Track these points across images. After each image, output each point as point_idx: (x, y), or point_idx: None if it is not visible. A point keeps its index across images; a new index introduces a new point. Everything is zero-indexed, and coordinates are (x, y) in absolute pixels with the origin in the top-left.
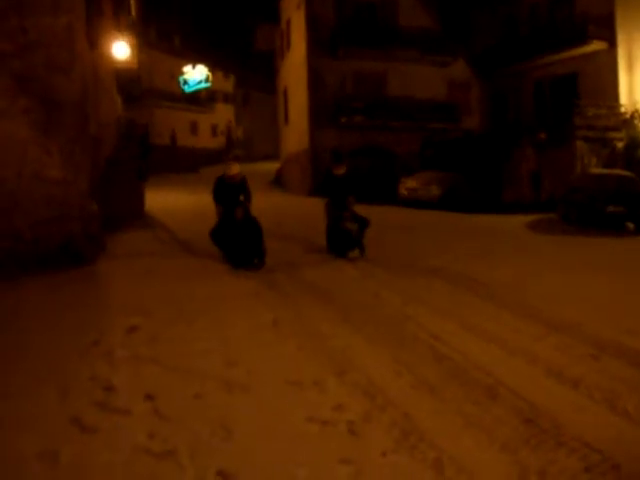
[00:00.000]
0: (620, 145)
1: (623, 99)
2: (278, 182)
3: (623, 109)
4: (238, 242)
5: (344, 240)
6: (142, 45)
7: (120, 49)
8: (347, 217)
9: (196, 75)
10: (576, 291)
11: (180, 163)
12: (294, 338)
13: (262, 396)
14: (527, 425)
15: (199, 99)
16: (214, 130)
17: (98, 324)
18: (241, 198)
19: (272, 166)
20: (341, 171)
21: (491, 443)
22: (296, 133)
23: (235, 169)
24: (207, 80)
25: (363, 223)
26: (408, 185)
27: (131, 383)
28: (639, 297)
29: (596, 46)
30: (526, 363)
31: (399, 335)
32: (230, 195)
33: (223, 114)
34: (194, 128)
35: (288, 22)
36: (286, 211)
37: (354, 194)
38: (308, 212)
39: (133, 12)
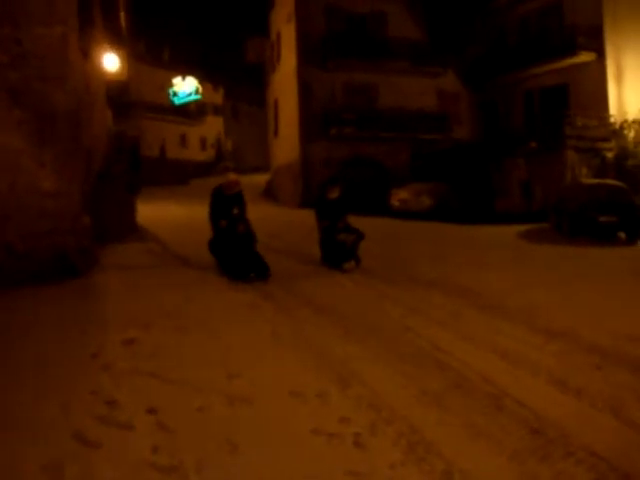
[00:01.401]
0: (610, 155)
1: (612, 109)
2: (268, 194)
3: (613, 119)
4: (238, 255)
5: (339, 251)
6: (131, 57)
7: (110, 61)
8: (341, 228)
9: (186, 87)
10: (573, 300)
11: (170, 175)
12: (294, 350)
13: (266, 409)
14: (534, 435)
15: (188, 111)
16: (203, 142)
17: (95, 337)
18: (235, 211)
19: (262, 178)
20: (335, 194)
21: (499, 453)
22: (286, 145)
23: (235, 177)
24: (197, 92)
25: (358, 235)
26: (399, 196)
27: (132, 396)
28: (636, 305)
29: (585, 57)
30: (528, 372)
31: (400, 346)
32: (227, 207)
33: (212, 126)
34: (183, 140)
35: (278, 35)
36: (278, 223)
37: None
38: (300, 223)
39: (123, 24)
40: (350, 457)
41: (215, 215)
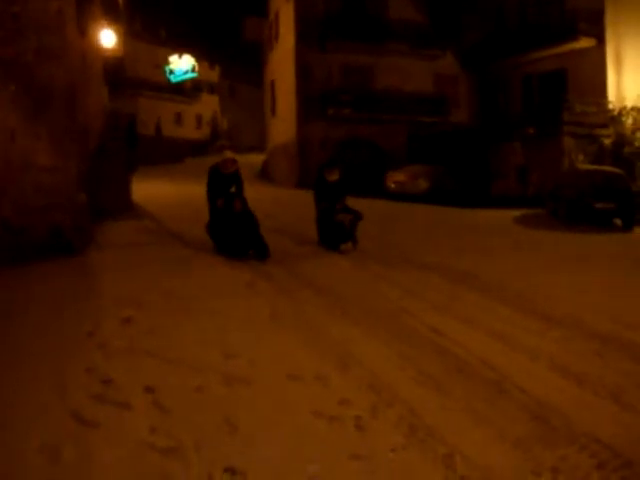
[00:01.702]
0: (607, 142)
1: (611, 96)
2: (264, 174)
3: (611, 106)
4: (236, 233)
5: (337, 232)
6: (128, 34)
7: (107, 37)
8: (339, 209)
9: (182, 65)
10: (572, 286)
11: (165, 154)
12: (293, 330)
13: (265, 390)
14: (537, 422)
15: (184, 89)
16: (199, 121)
17: (91, 315)
18: (232, 189)
19: (258, 158)
20: (334, 177)
21: (502, 439)
22: (283, 125)
23: (232, 156)
24: (193, 70)
25: (356, 216)
26: (395, 178)
27: (129, 375)
28: (635, 292)
29: (585, 43)
30: (529, 358)
31: (399, 328)
32: (224, 186)
33: (208, 105)
34: (179, 118)
35: (277, 14)
36: (274, 203)
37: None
38: (296, 204)
39: (120, 0)
40: (352, 440)
41: (212, 194)
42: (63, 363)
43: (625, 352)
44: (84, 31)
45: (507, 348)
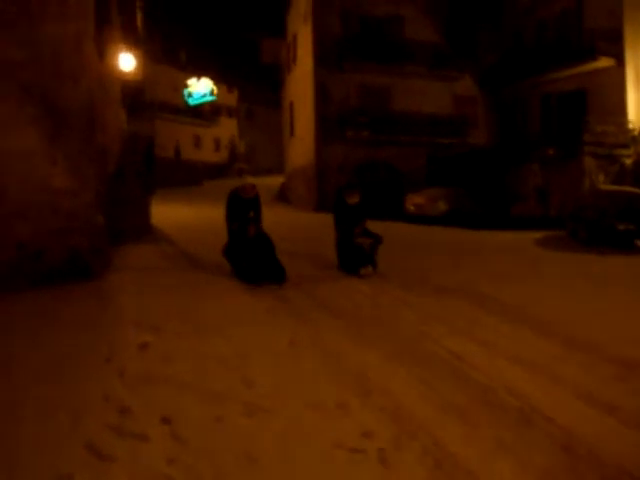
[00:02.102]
0: (629, 162)
1: (631, 116)
2: (282, 197)
3: (631, 126)
4: (254, 258)
5: (357, 256)
6: (147, 58)
7: (126, 61)
8: (359, 232)
9: (201, 88)
10: (593, 310)
11: (184, 176)
12: (312, 357)
13: (285, 420)
14: (564, 452)
15: (203, 113)
16: (217, 144)
17: (109, 341)
18: (251, 214)
19: (275, 180)
20: (355, 200)
21: (530, 471)
22: (301, 147)
23: (252, 181)
24: (212, 93)
25: (376, 239)
26: (415, 201)
27: (146, 404)
28: None
29: (604, 62)
30: (553, 384)
31: (419, 354)
32: (242, 210)
33: (226, 128)
34: (197, 142)
35: (294, 36)
36: (292, 226)
37: (367, 219)
38: (315, 227)
39: (139, 24)
40: (375, 474)
41: (231, 218)
42: (80, 390)
43: None
44: (102, 54)
45: (529, 374)
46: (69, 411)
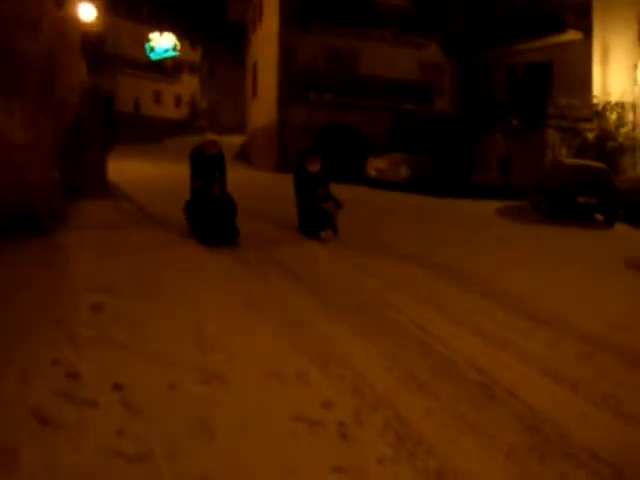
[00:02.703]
0: (591, 136)
1: (596, 90)
2: (243, 156)
3: (596, 100)
4: (214, 218)
5: (318, 220)
6: (108, 10)
7: (86, 10)
8: (321, 196)
9: (163, 43)
10: (556, 283)
11: (143, 132)
12: (271, 322)
13: (243, 389)
14: (530, 431)
15: (164, 68)
16: (178, 100)
17: (60, 300)
18: (216, 174)
19: (237, 139)
20: (316, 167)
21: (495, 450)
22: (264, 107)
23: (213, 137)
24: (175, 49)
25: (336, 204)
26: (376, 165)
27: (97, 369)
28: (619, 290)
29: (572, 36)
30: (518, 360)
31: (382, 323)
32: (206, 169)
33: (188, 85)
34: (158, 97)
35: None
36: (253, 186)
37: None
38: (276, 188)
39: None
40: (335, 449)
41: (194, 176)
42: (28, 353)
43: (616, 356)
44: (62, 3)
45: (494, 348)
46: (16, 376)
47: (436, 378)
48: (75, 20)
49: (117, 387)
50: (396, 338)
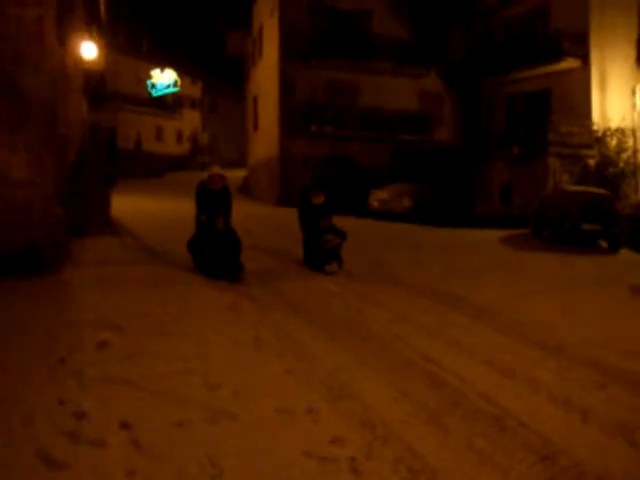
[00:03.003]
0: (592, 162)
1: (595, 117)
2: (245, 190)
3: (595, 127)
4: (218, 253)
5: (322, 253)
6: (109, 47)
7: (88, 49)
8: (325, 228)
9: (164, 79)
10: (565, 311)
11: (145, 168)
12: (279, 358)
13: (251, 426)
14: (545, 463)
15: (165, 104)
16: (180, 136)
17: (64, 339)
18: (222, 209)
19: (238, 173)
20: (320, 200)
21: None
22: (265, 141)
23: (219, 171)
24: (175, 84)
25: (340, 235)
26: (379, 197)
27: (104, 408)
28: (629, 316)
29: (570, 63)
30: (529, 390)
31: (390, 356)
32: (212, 204)
33: (189, 120)
34: (159, 133)
35: (260, 29)
36: (255, 220)
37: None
38: (278, 221)
39: (103, 13)
40: None
41: (199, 210)
42: (32, 393)
43: (628, 384)
44: (64, 41)
45: (504, 378)
46: (21, 416)
47: (447, 410)
48: (77, 58)
49: (124, 426)
50: (405, 370)
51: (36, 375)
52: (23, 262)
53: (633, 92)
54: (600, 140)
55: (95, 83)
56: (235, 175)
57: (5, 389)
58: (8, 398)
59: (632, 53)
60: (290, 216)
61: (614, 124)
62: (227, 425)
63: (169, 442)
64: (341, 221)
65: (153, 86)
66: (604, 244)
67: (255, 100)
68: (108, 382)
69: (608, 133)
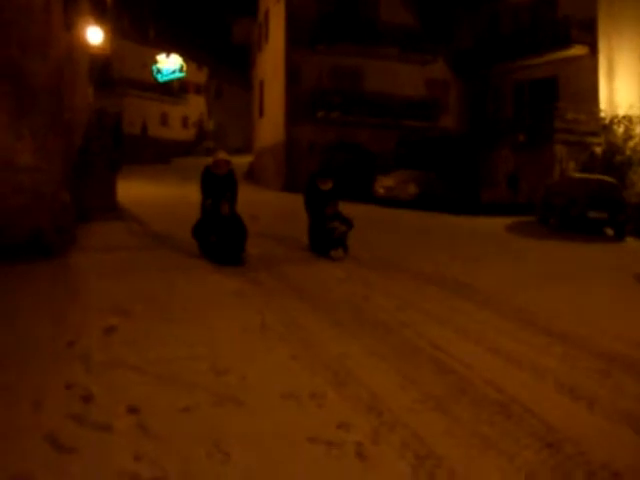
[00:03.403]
0: (599, 150)
1: (603, 104)
2: (250, 176)
3: (602, 114)
4: (222, 238)
5: (328, 239)
6: (115, 33)
7: (94, 34)
8: (331, 215)
9: (170, 64)
10: (571, 299)
11: (150, 154)
12: (285, 344)
13: (258, 411)
14: (550, 450)
15: (171, 90)
16: (185, 121)
17: (72, 323)
18: (227, 194)
19: (244, 159)
20: (328, 186)
21: (516, 470)
22: (271, 126)
23: (224, 156)
24: (181, 70)
25: (347, 223)
26: (384, 183)
27: (111, 392)
28: (634, 304)
29: (577, 50)
30: (535, 377)
31: (397, 343)
32: (217, 188)
33: (195, 106)
34: (165, 119)
35: (266, 14)
36: (261, 206)
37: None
38: (284, 207)
39: None
40: (353, 470)
41: (204, 195)
42: (41, 378)
43: (634, 372)
44: (70, 26)
45: (510, 366)
46: (29, 401)
47: (453, 397)
48: (83, 43)
49: (132, 410)
50: (411, 357)
51: (44, 359)
52: (29, 247)
53: None
54: (607, 128)
55: (101, 68)
56: (241, 161)
57: (13, 373)
58: (16, 382)
59: None
60: (296, 202)
61: (621, 112)
62: (233, 410)
63: (176, 427)
64: (347, 207)
65: (159, 71)
66: (610, 232)
67: (261, 86)
68: (115, 367)
69: (615, 121)
